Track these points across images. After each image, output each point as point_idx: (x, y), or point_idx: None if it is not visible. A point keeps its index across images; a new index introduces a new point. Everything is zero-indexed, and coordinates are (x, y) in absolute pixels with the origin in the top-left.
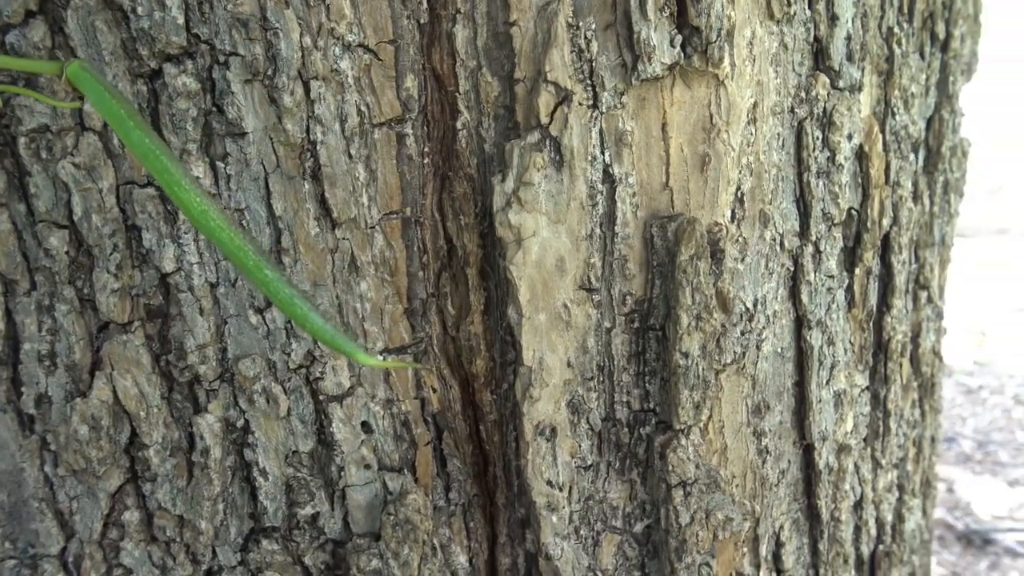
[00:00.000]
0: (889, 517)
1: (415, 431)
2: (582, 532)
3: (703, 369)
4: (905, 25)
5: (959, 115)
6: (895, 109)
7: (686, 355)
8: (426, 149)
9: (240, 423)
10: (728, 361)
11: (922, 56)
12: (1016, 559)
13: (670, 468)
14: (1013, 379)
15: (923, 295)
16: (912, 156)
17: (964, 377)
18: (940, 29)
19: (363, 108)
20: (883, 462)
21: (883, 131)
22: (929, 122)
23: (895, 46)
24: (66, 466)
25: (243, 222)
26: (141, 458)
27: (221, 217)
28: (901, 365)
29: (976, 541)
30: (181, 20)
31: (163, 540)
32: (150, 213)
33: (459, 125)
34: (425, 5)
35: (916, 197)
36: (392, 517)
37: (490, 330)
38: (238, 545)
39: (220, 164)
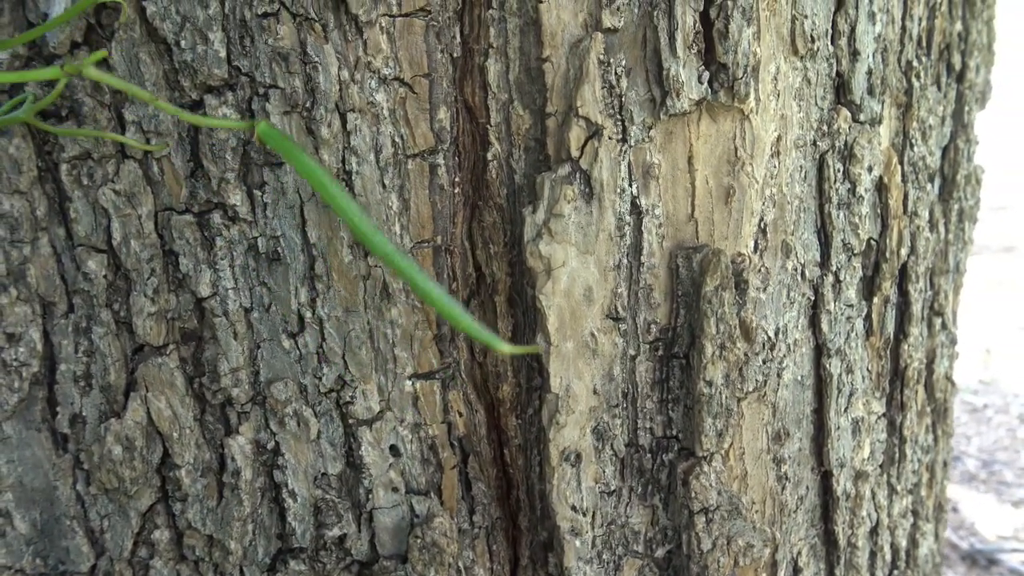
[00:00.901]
0: (903, 543)
1: (442, 455)
2: (604, 556)
3: (726, 397)
4: (923, 58)
5: (974, 143)
6: (913, 141)
7: (710, 383)
8: (457, 179)
9: (271, 445)
10: (750, 389)
11: (939, 87)
12: None
13: (693, 494)
14: (1018, 398)
15: (938, 321)
16: (929, 186)
17: (969, 396)
18: (956, 60)
19: (397, 139)
20: (898, 488)
21: (902, 162)
22: (945, 151)
23: (914, 79)
24: (98, 485)
25: (278, 249)
26: (172, 478)
27: (402, 255)
28: (917, 392)
29: (981, 561)
30: (223, 53)
31: (192, 559)
32: (188, 239)
33: (490, 156)
34: (458, 39)
35: (932, 225)
36: (419, 540)
37: (517, 356)
38: (266, 565)
39: (257, 192)
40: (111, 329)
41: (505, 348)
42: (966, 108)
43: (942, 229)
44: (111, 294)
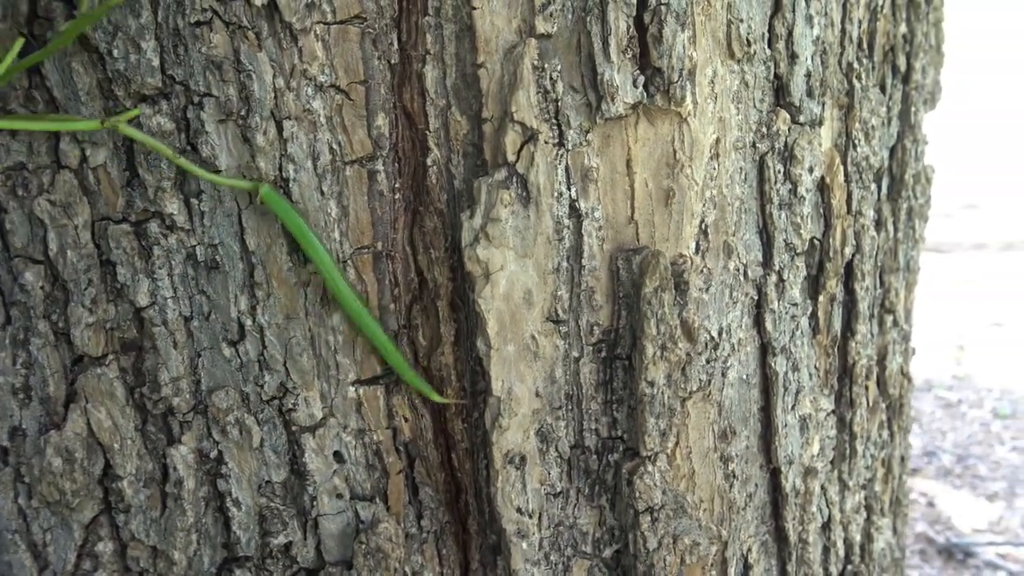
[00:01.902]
0: (858, 537)
1: (387, 460)
2: (552, 558)
3: (668, 397)
4: (865, 60)
5: (922, 143)
6: (856, 141)
7: (652, 384)
8: (397, 185)
9: (213, 454)
10: (694, 389)
11: (883, 89)
12: (996, 572)
13: (637, 494)
14: (991, 393)
15: (889, 319)
16: (874, 185)
17: (943, 391)
18: (901, 62)
19: (335, 146)
20: (850, 484)
21: (844, 163)
22: (892, 151)
23: (855, 81)
24: (40, 498)
25: (217, 257)
26: (115, 489)
27: (365, 310)
28: (867, 388)
29: (957, 555)
30: (156, 62)
31: (136, 571)
32: (125, 248)
33: (429, 162)
34: (396, 46)
35: (880, 224)
36: (364, 546)
37: (461, 360)
38: (211, 575)
39: (194, 201)
40: (49, 340)
41: (436, 397)
42: (913, 109)
43: (891, 228)
44: (49, 305)
